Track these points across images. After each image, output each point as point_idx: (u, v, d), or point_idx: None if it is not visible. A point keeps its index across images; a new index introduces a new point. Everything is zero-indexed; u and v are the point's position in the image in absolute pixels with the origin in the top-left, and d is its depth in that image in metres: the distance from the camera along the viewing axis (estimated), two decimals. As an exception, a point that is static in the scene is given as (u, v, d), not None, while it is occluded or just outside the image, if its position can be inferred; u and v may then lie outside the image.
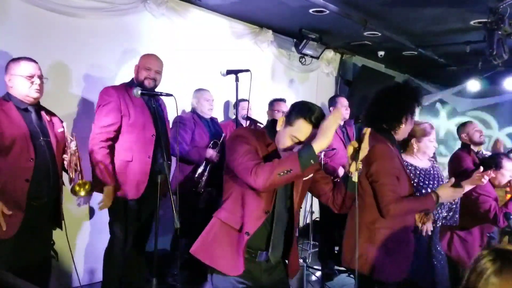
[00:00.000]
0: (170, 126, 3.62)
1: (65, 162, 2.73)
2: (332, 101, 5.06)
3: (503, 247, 1.23)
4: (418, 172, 2.86)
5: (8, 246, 2.53)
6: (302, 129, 1.92)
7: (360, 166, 1.97)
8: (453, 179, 2.45)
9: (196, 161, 3.87)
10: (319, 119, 1.90)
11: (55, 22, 3.62)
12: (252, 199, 1.99)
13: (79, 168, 2.65)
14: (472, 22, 4.95)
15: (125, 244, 3.20)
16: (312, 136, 1.88)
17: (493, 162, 3.42)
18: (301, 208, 2.25)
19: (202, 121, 4.07)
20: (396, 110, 2.42)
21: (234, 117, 4.07)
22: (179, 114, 3.82)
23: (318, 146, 1.82)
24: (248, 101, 3.99)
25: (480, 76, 6.93)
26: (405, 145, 2.97)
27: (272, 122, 2.09)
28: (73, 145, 2.66)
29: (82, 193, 2.67)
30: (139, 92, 2.45)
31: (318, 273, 4.40)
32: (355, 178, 1.99)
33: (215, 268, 2.03)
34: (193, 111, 4.12)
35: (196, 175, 3.83)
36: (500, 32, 4.21)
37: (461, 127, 4.29)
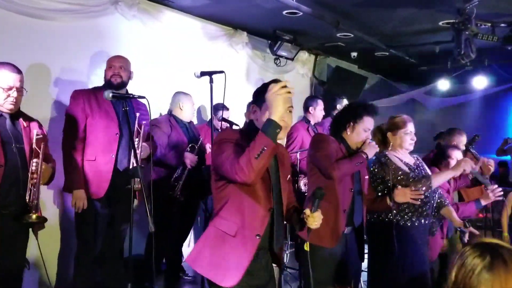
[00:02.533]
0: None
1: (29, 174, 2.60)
2: (313, 102, 5.06)
3: (487, 241, 1.24)
4: (404, 166, 2.95)
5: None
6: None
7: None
8: None
9: (173, 165, 3.83)
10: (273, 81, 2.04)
11: (26, 25, 3.55)
12: (252, 201, 1.99)
13: (35, 195, 2.53)
14: (440, 23, 5.07)
15: (94, 248, 3.17)
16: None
17: (441, 155, 3.55)
18: None
19: (180, 124, 4.03)
20: (340, 122, 2.84)
21: (208, 119, 4.06)
22: (153, 117, 3.79)
23: (274, 116, 1.88)
24: (224, 105, 3.98)
25: (449, 75, 7.10)
26: (384, 142, 3.03)
27: (251, 123, 2.12)
28: (33, 164, 2.56)
29: (31, 220, 2.55)
30: (110, 94, 2.41)
31: (295, 273, 4.42)
32: (306, 247, 2.21)
33: (211, 281, 2.00)
34: (170, 113, 4.07)
35: (172, 179, 3.79)
36: (467, 32, 4.31)
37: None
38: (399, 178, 2.90)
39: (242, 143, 1.96)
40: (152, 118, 3.82)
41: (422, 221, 2.93)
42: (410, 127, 2.99)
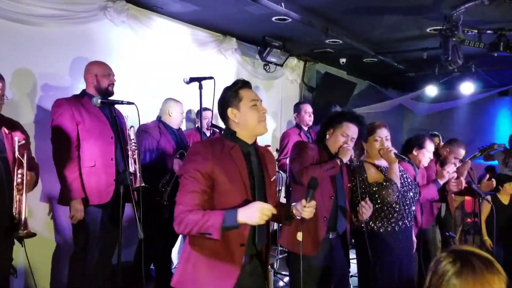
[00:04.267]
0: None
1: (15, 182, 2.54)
2: (297, 108, 5.16)
3: (462, 248, 1.25)
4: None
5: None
6: (248, 95, 2.07)
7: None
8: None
9: (162, 170, 3.82)
10: (244, 80, 2.12)
11: (12, 31, 3.51)
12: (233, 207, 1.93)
13: (22, 207, 2.46)
14: (428, 30, 5.13)
15: (85, 253, 3.13)
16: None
17: (416, 142, 3.53)
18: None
19: (168, 130, 4.02)
20: (322, 129, 2.95)
21: (197, 125, 4.05)
22: (142, 123, 3.76)
23: (242, 217, 1.83)
24: (212, 110, 3.98)
25: (437, 81, 7.18)
26: (361, 151, 3.07)
27: (227, 130, 2.12)
28: (19, 176, 2.49)
29: (20, 236, 2.48)
30: (99, 101, 2.39)
31: (286, 279, 4.41)
32: (299, 237, 2.17)
33: None
34: (159, 119, 4.06)
35: (160, 185, 3.78)
36: (454, 39, 4.36)
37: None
38: (374, 188, 2.92)
39: (213, 159, 1.95)
40: (141, 123, 3.82)
41: (396, 227, 2.92)
42: (380, 133, 2.98)
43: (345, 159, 2.80)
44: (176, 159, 3.85)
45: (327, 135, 2.88)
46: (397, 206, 2.92)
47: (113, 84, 3.31)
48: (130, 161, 3.09)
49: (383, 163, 3.02)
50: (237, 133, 2.08)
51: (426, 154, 3.50)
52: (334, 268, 2.82)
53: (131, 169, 2.93)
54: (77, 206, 3.06)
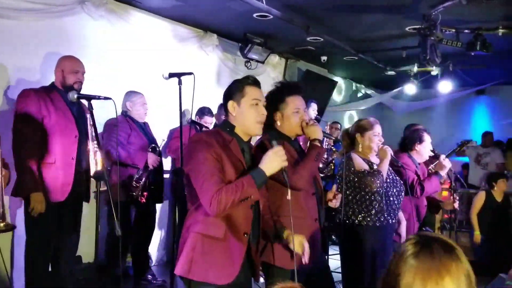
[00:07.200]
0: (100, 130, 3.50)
1: None
2: None
3: (430, 234, 1.28)
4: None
5: None
6: (252, 92, 2.04)
7: None
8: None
9: (135, 165, 3.78)
10: (254, 78, 2.10)
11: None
12: None
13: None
14: (407, 28, 5.18)
15: (46, 252, 3.08)
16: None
17: (417, 137, 3.57)
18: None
19: (137, 125, 3.98)
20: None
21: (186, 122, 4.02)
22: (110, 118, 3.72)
23: (267, 170, 1.95)
24: (192, 106, 3.94)
25: (416, 80, 7.28)
26: (353, 143, 3.08)
27: (227, 123, 2.11)
28: None
29: None
30: (75, 96, 2.35)
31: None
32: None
33: (206, 283, 1.97)
34: (126, 114, 3.97)
35: (134, 180, 3.75)
36: (433, 38, 4.43)
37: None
38: (359, 174, 2.95)
39: (218, 150, 1.95)
40: (109, 118, 3.77)
41: (377, 223, 2.93)
42: (378, 129, 3.05)
43: (319, 136, 2.42)
44: (150, 153, 3.83)
45: (276, 121, 2.43)
46: (378, 197, 2.95)
47: (80, 82, 3.19)
48: (93, 162, 3.03)
49: (373, 159, 3.06)
50: (235, 128, 2.08)
51: (427, 147, 3.55)
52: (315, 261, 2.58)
53: (92, 171, 2.87)
54: (38, 198, 2.97)
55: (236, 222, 1.99)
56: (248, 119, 2.05)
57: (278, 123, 2.42)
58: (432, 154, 3.58)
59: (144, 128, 4.04)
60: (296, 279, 2.05)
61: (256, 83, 2.09)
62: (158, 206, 4.56)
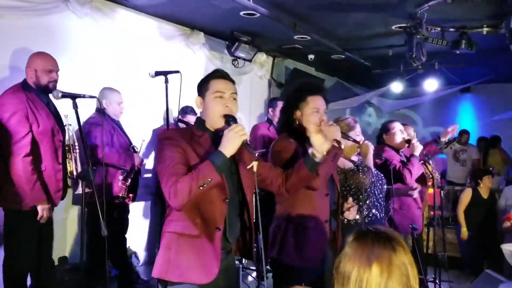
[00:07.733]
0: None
1: None
2: (274, 103, 5.11)
3: (374, 227, 1.34)
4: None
5: None
6: (216, 85, 2.01)
7: None
8: None
9: (120, 165, 3.73)
10: (223, 71, 2.07)
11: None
12: (206, 195, 1.91)
13: None
14: (393, 27, 5.22)
15: (30, 256, 3.01)
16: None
17: (383, 128, 3.80)
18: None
19: (116, 124, 3.89)
20: (285, 116, 2.52)
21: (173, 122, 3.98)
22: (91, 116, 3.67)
23: (226, 151, 1.90)
24: (179, 104, 3.92)
25: (402, 78, 7.33)
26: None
27: (198, 119, 2.10)
28: None
29: None
30: (60, 94, 2.31)
31: (255, 274, 4.41)
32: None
33: (185, 283, 1.93)
34: (103, 112, 3.78)
35: (121, 181, 3.70)
36: (418, 36, 4.47)
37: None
38: (350, 173, 2.95)
39: (184, 144, 1.93)
40: (89, 117, 3.70)
41: (366, 219, 2.93)
42: (358, 128, 3.07)
43: (338, 137, 2.39)
44: (135, 154, 3.79)
45: (295, 120, 2.43)
46: (365, 193, 2.95)
47: (55, 81, 3.08)
48: (71, 163, 3.00)
49: (355, 159, 3.07)
50: (205, 122, 2.05)
51: (397, 134, 3.69)
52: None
53: (74, 172, 2.82)
54: (45, 205, 2.92)
55: (211, 217, 1.94)
56: (211, 112, 2.02)
57: (296, 121, 2.44)
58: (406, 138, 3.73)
59: (121, 128, 3.95)
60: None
61: (223, 77, 2.06)
62: (142, 206, 4.53)
